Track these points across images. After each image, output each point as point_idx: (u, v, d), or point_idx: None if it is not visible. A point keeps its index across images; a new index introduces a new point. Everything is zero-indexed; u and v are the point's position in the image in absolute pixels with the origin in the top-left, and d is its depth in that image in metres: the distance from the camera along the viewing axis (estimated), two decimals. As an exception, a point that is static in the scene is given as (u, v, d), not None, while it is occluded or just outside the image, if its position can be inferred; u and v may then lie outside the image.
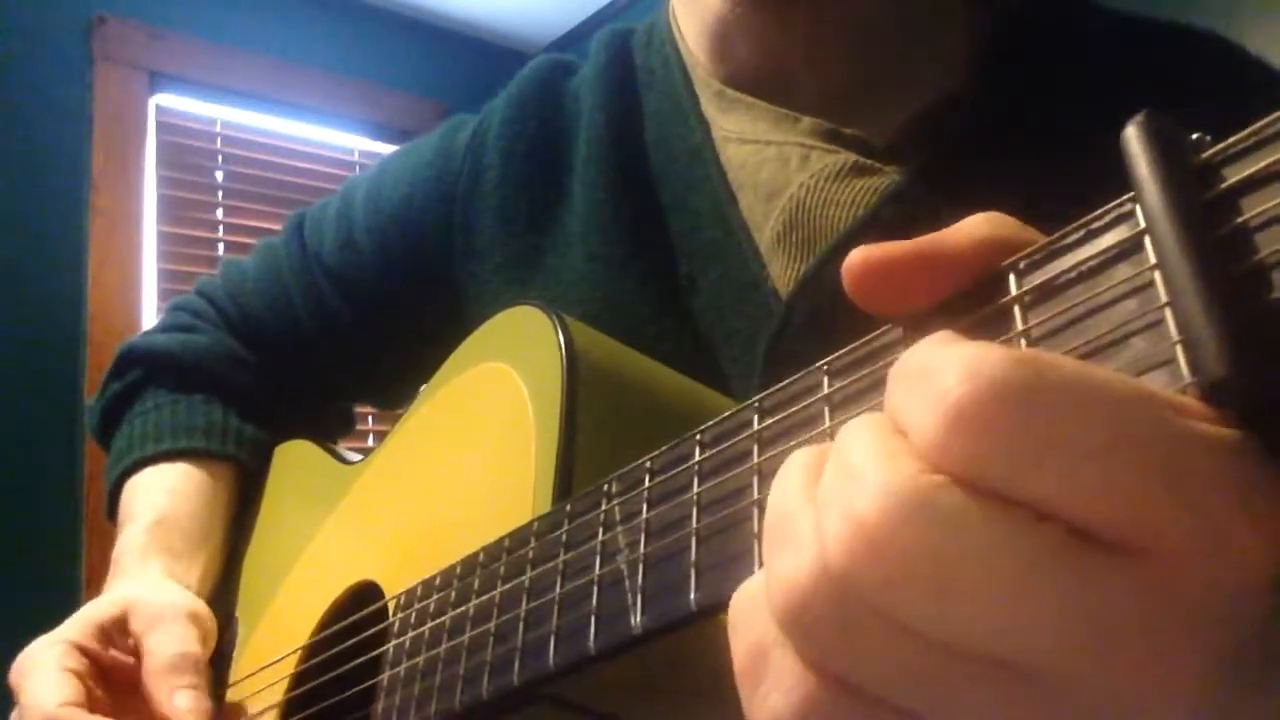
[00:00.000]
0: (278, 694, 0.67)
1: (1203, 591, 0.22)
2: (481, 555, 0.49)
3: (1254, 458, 0.22)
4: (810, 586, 0.24)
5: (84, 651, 0.66)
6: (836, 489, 0.24)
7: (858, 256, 0.29)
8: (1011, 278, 0.27)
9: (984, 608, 0.22)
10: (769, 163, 0.63)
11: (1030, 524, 0.22)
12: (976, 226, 0.29)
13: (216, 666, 0.72)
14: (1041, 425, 0.22)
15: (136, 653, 0.68)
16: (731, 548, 0.34)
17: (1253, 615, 0.22)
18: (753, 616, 0.27)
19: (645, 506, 0.39)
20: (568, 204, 0.70)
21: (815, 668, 0.25)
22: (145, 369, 0.86)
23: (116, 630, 0.68)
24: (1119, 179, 0.25)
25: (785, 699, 0.25)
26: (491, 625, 0.46)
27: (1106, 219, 0.25)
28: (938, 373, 0.23)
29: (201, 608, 0.71)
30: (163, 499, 0.78)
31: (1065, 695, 0.23)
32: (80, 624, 0.68)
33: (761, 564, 0.27)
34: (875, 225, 0.58)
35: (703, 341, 0.62)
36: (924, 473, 0.23)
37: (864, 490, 0.23)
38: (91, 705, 0.64)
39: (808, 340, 0.57)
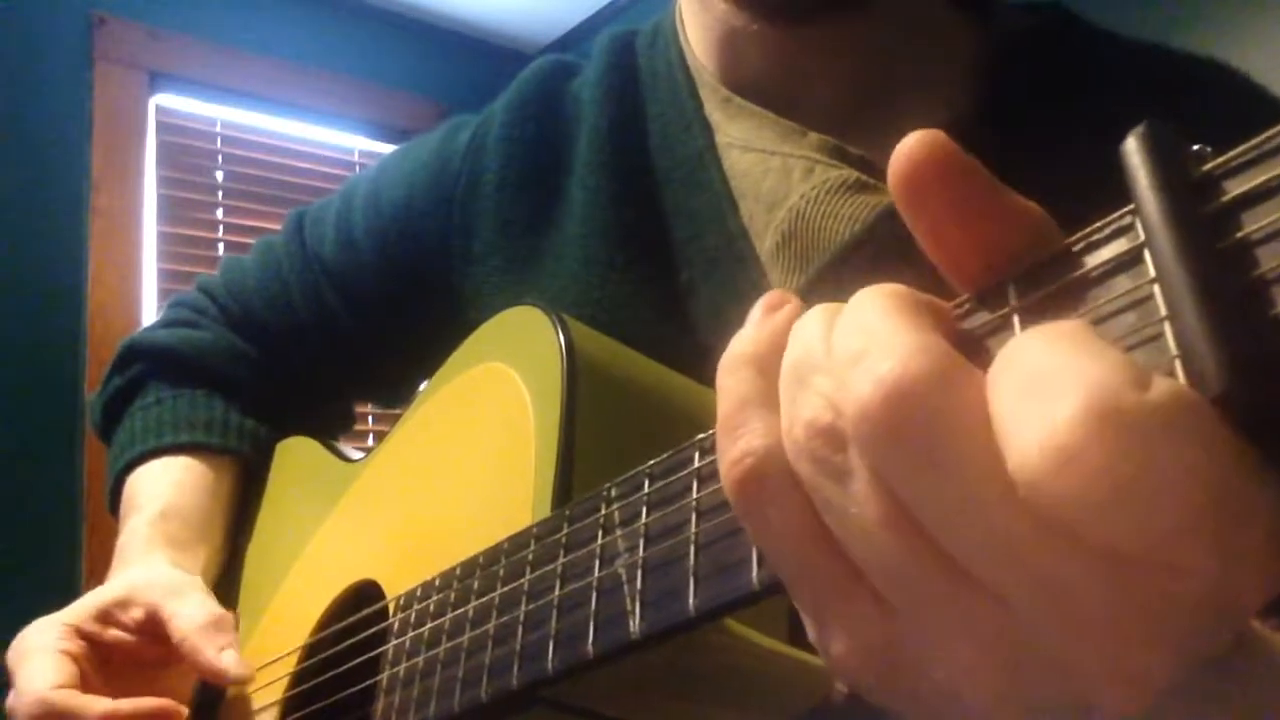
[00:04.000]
0: (277, 692, 0.67)
1: (1194, 595, 0.22)
2: (481, 557, 0.49)
3: (1254, 474, 0.22)
4: (821, 427, 0.26)
5: (81, 634, 0.67)
6: (861, 347, 0.25)
7: (939, 142, 0.27)
8: (1011, 288, 0.27)
9: (963, 501, 0.23)
10: (772, 173, 0.64)
11: None
12: (1030, 204, 0.28)
13: None
14: (1141, 475, 0.21)
15: (140, 630, 0.68)
16: (731, 554, 0.34)
17: (1224, 631, 0.22)
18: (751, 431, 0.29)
19: (645, 511, 0.39)
20: (567, 207, 0.70)
21: (816, 497, 0.27)
22: (146, 364, 0.87)
23: (117, 610, 0.68)
24: (1122, 202, 0.25)
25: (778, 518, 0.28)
26: (490, 627, 0.46)
27: (1106, 231, 0.25)
28: (1056, 392, 0.22)
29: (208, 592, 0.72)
30: (166, 492, 0.78)
31: (1018, 638, 0.24)
32: (79, 607, 0.68)
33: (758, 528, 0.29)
34: (873, 241, 0.58)
35: (702, 347, 0.62)
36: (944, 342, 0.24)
37: (888, 352, 0.24)
38: (85, 687, 0.64)
39: None
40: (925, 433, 0.23)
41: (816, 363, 0.27)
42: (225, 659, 0.63)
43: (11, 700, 0.65)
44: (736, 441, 0.29)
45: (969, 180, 0.27)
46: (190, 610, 0.66)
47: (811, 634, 0.29)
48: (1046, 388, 0.22)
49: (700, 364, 0.61)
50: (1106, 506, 0.21)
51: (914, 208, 0.27)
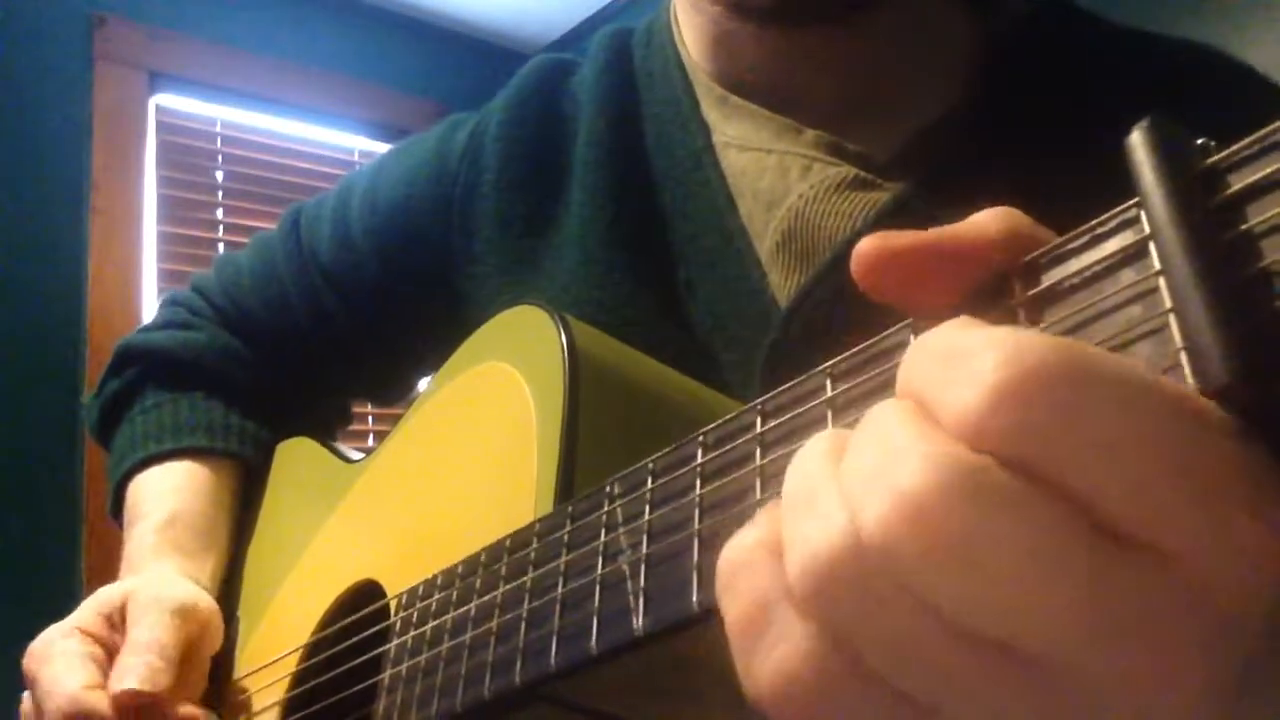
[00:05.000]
0: (279, 692, 0.67)
1: (1212, 592, 0.22)
2: (483, 555, 0.49)
3: (1261, 461, 0.22)
4: (839, 555, 0.24)
5: (94, 638, 0.67)
6: (876, 464, 0.24)
7: (869, 244, 0.28)
8: (1016, 281, 0.27)
9: (1008, 589, 0.22)
10: (769, 171, 0.63)
11: (1066, 510, 0.22)
12: (990, 221, 0.28)
13: (219, 663, 0.72)
14: (1081, 411, 0.22)
15: None
16: (735, 550, 0.34)
17: (1261, 618, 0.22)
18: (753, 575, 0.27)
19: (648, 508, 0.39)
20: (566, 206, 0.70)
21: (827, 632, 0.25)
22: (142, 367, 0.86)
23: (120, 618, 0.68)
24: (1121, 194, 0.25)
25: (790, 655, 0.26)
26: (493, 625, 0.46)
27: (1111, 224, 0.25)
28: (974, 353, 0.23)
29: (205, 601, 0.72)
30: (170, 498, 0.78)
31: (1067, 687, 0.23)
32: (88, 611, 0.68)
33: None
34: None
35: (701, 347, 0.62)
36: (968, 450, 0.23)
37: (907, 464, 0.23)
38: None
39: (807, 351, 0.57)
40: (961, 535, 0.23)
41: (819, 481, 0.26)
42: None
43: (27, 703, 0.65)
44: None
45: (924, 261, 0.28)
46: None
47: None
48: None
49: (700, 362, 0.61)
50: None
51: (885, 300, 0.29)
